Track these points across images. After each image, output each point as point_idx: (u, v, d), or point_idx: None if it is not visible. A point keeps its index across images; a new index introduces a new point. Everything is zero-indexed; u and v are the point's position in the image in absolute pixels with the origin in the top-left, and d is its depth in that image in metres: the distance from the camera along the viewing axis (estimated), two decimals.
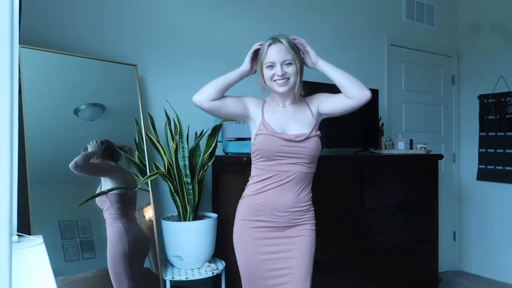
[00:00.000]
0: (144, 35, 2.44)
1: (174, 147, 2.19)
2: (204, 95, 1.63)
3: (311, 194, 1.69)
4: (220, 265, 2.27)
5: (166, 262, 2.28)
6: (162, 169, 2.17)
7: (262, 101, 1.72)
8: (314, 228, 1.67)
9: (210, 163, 2.26)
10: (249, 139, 2.33)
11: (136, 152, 2.23)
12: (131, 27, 2.40)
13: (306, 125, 1.64)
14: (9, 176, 0.54)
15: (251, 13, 2.84)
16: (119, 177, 2.16)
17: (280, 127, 1.62)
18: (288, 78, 1.59)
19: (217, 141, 2.24)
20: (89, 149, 2.08)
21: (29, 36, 1.96)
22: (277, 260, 1.62)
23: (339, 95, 1.69)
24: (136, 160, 2.21)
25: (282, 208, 1.60)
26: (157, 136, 2.22)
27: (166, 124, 2.24)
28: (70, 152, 2.03)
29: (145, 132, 2.22)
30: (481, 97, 3.83)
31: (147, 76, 2.44)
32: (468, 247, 3.97)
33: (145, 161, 2.22)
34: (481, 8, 3.88)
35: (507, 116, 3.61)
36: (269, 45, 1.60)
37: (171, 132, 2.23)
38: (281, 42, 1.59)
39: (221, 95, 1.64)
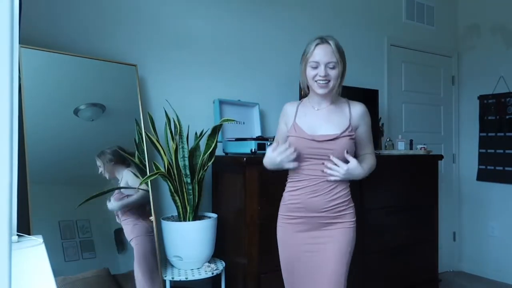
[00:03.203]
0: (144, 35, 2.44)
1: (174, 147, 2.19)
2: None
3: (348, 193, 1.68)
4: (220, 265, 2.27)
5: (166, 262, 2.28)
6: (162, 169, 2.17)
7: (298, 102, 1.75)
8: (351, 226, 1.66)
9: (210, 163, 2.26)
10: (249, 139, 2.36)
11: (136, 152, 2.23)
12: (131, 27, 2.40)
13: (339, 126, 1.64)
14: (9, 176, 0.54)
15: (251, 14, 2.84)
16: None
17: (310, 128, 1.64)
18: (329, 81, 1.61)
19: (217, 141, 2.24)
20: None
21: (29, 36, 1.96)
22: (312, 256, 1.65)
23: (364, 147, 1.75)
24: (136, 160, 2.21)
25: (316, 209, 1.63)
26: (157, 136, 2.22)
27: (166, 124, 2.24)
28: (70, 152, 2.03)
29: (145, 132, 2.22)
30: (481, 98, 3.83)
31: (147, 76, 2.44)
32: (468, 248, 3.97)
33: (145, 161, 2.22)
34: (481, 9, 3.88)
35: (507, 117, 3.62)
36: (317, 44, 1.60)
37: (171, 132, 2.23)
38: (329, 43, 1.60)
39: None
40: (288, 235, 1.70)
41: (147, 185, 2.18)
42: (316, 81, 1.61)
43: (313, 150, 1.61)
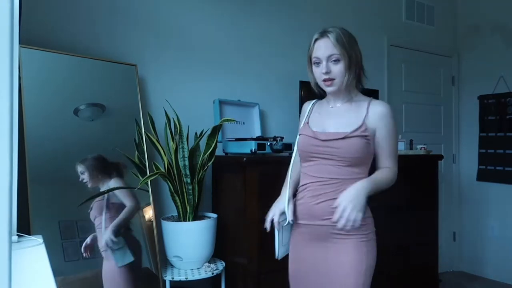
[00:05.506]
0: (144, 35, 2.44)
1: (174, 147, 2.19)
2: None
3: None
4: (220, 265, 2.27)
5: (166, 262, 2.28)
6: (162, 169, 2.17)
7: (315, 100, 1.62)
8: (365, 239, 1.43)
9: (210, 163, 2.26)
10: (249, 139, 2.36)
11: (136, 152, 2.23)
12: (132, 27, 2.40)
13: (350, 125, 1.45)
14: (9, 176, 0.54)
15: (251, 14, 2.84)
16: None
17: (319, 126, 1.50)
18: (333, 79, 1.44)
19: (217, 141, 2.24)
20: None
21: (29, 36, 1.96)
22: (321, 272, 1.45)
23: (383, 159, 1.50)
24: (136, 160, 2.21)
25: (319, 216, 1.43)
26: (157, 136, 2.22)
27: (166, 124, 2.24)
28: (70, 152, 2.03)
29: (145, 132, 2.22)
30: (481, 98, 3.83)
31: (147, 76, 2.44)
32: (468, 248, 3.96)
33: (145, 161, 2.22)
34: (481, 8, 3.88)
35: (507, 117, 3.61)
36: (315, 40, 1.47)
37: (171, 132, 2.23)
38: (328, 36, 1.43)
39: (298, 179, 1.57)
40: (296, 245, 1.53)
41: (147, 185, 2.18)
42: (323, 80, 1.46)
43: (316, 149, 1.45)
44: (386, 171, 1.50)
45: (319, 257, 1.45)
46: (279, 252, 1.52)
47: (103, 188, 2.08)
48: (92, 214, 2.02)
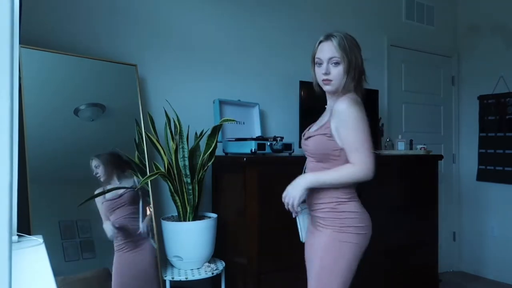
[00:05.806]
0: (144, 35, 2.44)
1: (174, 147, 2.19)
2: None
3: (338, 197, 1.54)
4: (220, 265, 2.27)
5: (166, 262, 2.28)
6: (162, 169, 2.17)
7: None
8: (334, 231, 1.53)
9: (210, 163, 2.26)
10: (249, 139, 2.36)
11: (136, 152, 2.23)
12: (132, 27, 2.40)
13: (317, 124, 1.65)
14: (9, 176, 0.54)
15: (251, 14, 2.84)
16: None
17: (313, 126, 1.70)
18: (331, 80, 1.55)
19: (217, 141, 2.24)
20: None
21: (29, 36, 1.96)
22: (308, 255, 1.68)
23: (348, 155, 1.52)
24: (136, 160, 2.21)
25: (309, 205, 1.65)
26: (157, 136, 2.22)
27: (166, 124, 2.24)
28: (70, 152, 2.03)
29: (145, 132, 2.22)
30: (481, 98, 3.83)
31: (147, 76, 2.44)
32: (468, 248, 3.96)
33: (145, 161, 2.22)
34: (481, 9, 3.88)
35: (507, 117, 3.62)
36: (320, 42, 1.60)
37: (171, 132, 2.23)
38: (331, 40, 1.55)
39: None
40: (307, 231, 1.71)
41: (147, 185, 2.18)
42: (322, 80, 1.58)
43: (302, 147, 1.69)
44: (344, 167, 1.52)
45: (311, 241, 1.64)
46: (302, 236, 1.70)
47: (115, 184, 2.12)
48: (114, 203, 2.07)
